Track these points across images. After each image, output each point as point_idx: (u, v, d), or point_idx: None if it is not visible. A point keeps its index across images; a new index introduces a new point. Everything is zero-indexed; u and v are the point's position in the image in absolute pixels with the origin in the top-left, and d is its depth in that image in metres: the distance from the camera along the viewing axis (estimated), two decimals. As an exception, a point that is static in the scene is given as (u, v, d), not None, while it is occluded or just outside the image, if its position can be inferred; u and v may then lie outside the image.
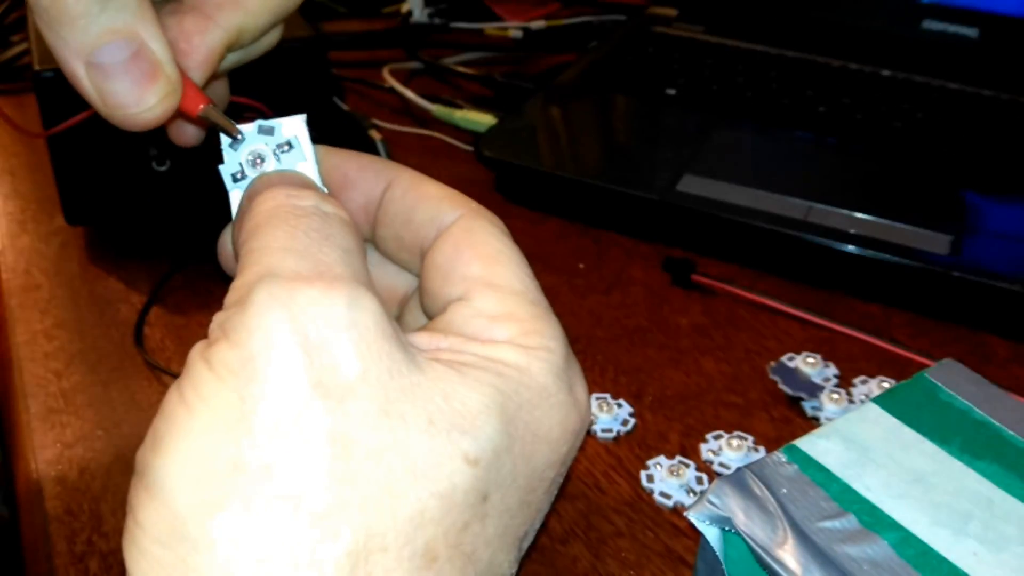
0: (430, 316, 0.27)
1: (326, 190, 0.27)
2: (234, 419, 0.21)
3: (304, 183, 0.26)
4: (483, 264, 0.26)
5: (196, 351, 0.23)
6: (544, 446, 0.24)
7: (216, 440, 0.21)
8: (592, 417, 0.42)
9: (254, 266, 0.23)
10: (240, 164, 0.27)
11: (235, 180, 0.27)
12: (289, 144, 0.27)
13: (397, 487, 0.21)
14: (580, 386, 0.26)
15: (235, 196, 0.27)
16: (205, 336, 0.23)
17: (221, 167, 0.27)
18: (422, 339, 0.24)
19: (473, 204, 0.27)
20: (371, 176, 0.28)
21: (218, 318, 0.23)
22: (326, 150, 0.28)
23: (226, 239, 0.28)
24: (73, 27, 0.24)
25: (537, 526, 0.25)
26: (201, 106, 0.28)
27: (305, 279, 0.22)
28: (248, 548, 0.20)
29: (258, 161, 0.27)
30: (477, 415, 0.22)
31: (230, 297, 0.23)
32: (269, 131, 0.26)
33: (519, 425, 0.23)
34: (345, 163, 0.28)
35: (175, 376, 0.27)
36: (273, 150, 0.27)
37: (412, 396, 0.22)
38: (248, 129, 0.27)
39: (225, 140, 0.27)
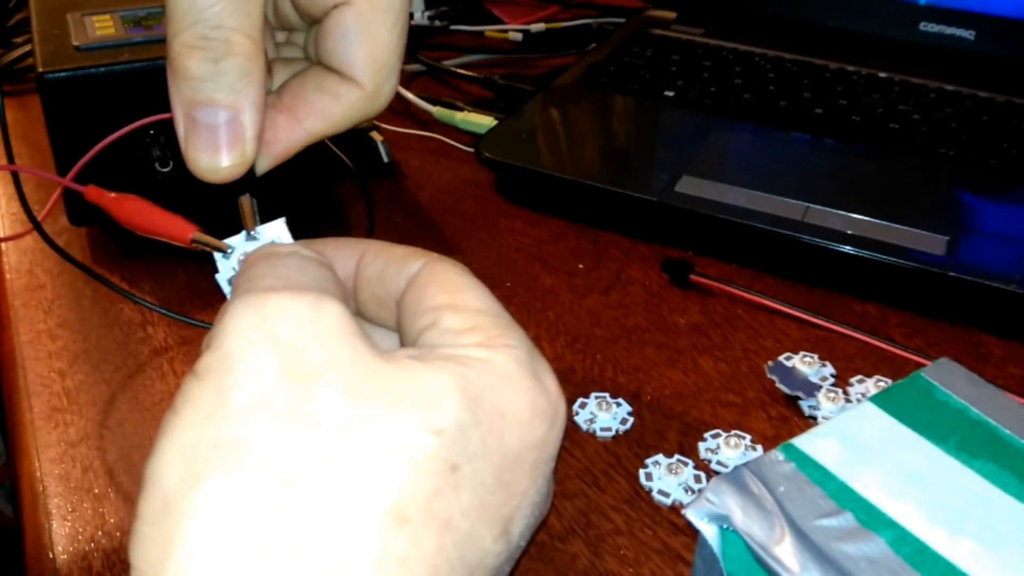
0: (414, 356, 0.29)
1: None
2: (213, 408, 0.23)
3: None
4: (447, 294, 0.28)
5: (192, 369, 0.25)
6: (514, 426, 0.25)
7: (198, 428, 0.23)
8: (591, 416, 0.43)
9: (234, 292, 0.26)
10: (233, 269, 0.30)
11: (230, 284, 0.30)
12: (273, 244, 0.30)
13: (364, 455, 0.23)
14: (548, 377, 0.27)
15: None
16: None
17: (217, 276, 0.30)
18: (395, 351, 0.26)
19: (435, 255, 0.30)
20: (346, 252, 0.30)
21: (205, 340, 0.25)
22: (304, 241, 0.31)
23: None
24: (188, 84, 0.28)
25: (527, 512, 0.26)
26: (191, 234, 0.31)
27: (275, 290, 0.25)
28: (228, 511, 0.22)
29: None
30: (439, 394, 0.24)
31: (215, 321, 0.25)
32: (254, 238, 0.30)
33: (484, 405, 0.25)
34: (322, 247, 0.30)
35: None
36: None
37: (376, 380, 0.24)
38: (236, 240, 0.30)
39: (217, 254, 0.30)
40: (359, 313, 0.31)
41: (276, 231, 0.30)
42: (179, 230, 0.32)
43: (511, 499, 0.25)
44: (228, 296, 0.30)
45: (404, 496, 0.23)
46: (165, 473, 0.23)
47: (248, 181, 0.30)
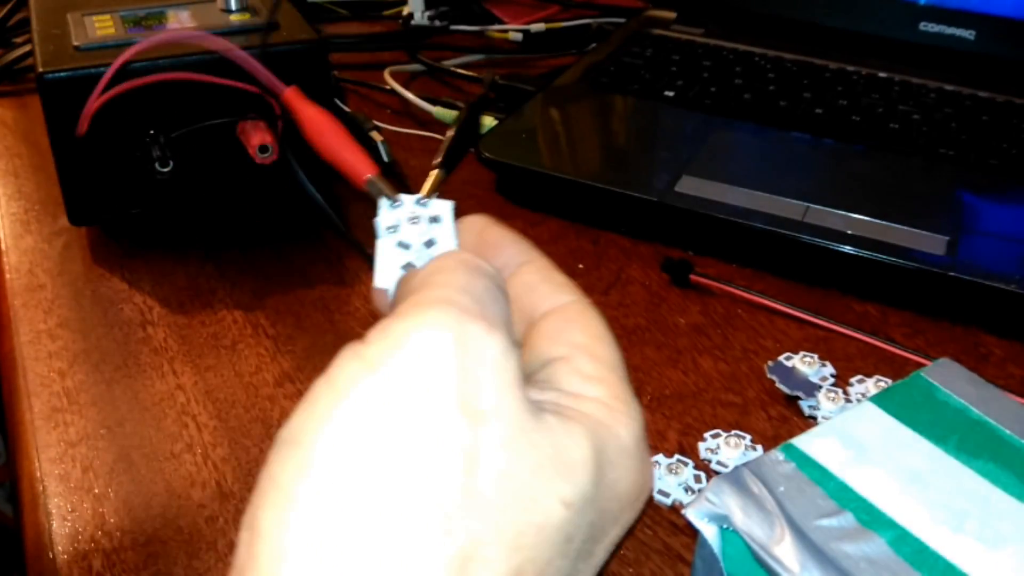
0: (527, 371, 0.29)
1: None
2: (376, 403, 0.23)
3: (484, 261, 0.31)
4: (589, 338, 0.29)
5: (348, 347, 0.25)
6: (615, 503, 0.26)
7: (355, 412, 0.23)
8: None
9: (431, 291, 0.26)
10: (396, 220, 0.32)
11: (388, 231, 0.32)
12: (436, 218, 0.32)
13: (508, 511, 0.23)
14: (649, 461, 0.28)
15: (383, 244, 0.32)
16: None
17: (377, 219, 0.31)
18: (531, 391, 0.27)
19: (587, 298, 0.30)
20: (518, 249, 0.31)
21: (378, 326, 0.25)
22: (489, 221, 0.32)
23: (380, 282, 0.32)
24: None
25: None
26: (367, 175, 0.33)
27: (472, 315, 0.25)
28: (383, 526, 0.22)
29: (412, 221, 0.31)
30: (576, 465, 0.25)
31: (396, 311, 0.26)
32: (423, 205, 0.31)
33: (604, 479, 0.26)
34: (502, 234, 0.31)
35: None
36: (427, 217, 0.31)
37: (529, 438, 0.25)
38: (407, 198, 0.32)
39: (383, 200, 0.32)
40: None
41: (441, 209, 0.31)
42: (359, 166, 0.32)
43: (589, 565, 0.26)
44: (379, 238, 0.31)
45: (527, 560, 0.23)
46: (308, 439, 0.23)
47: (456, 158, 0.32)
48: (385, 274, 0.32)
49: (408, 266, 0.32)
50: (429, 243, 0.32)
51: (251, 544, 0.23)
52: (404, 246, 0.32)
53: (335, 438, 0.23)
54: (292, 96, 0.38)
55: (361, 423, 0.23)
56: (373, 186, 0.33)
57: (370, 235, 0.32)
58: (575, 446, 0.25)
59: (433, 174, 0.35)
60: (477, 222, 0.32)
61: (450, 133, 0.42)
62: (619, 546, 0.30)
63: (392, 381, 0.24)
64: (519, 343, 0.30)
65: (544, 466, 0.24)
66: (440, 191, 0.49)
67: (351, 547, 0.22)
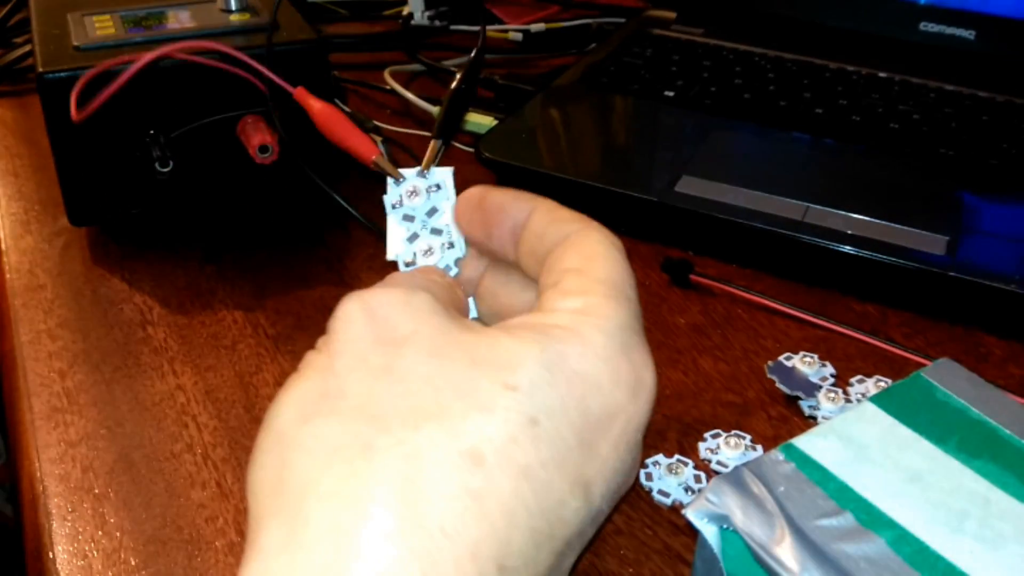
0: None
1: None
2: (323, 368, 0.28)
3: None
4: (581, 258, 0.30)
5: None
6: (595, 392, 0.27)
7: (310, 383, 0.28)
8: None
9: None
10: (400, 195, 0.34)
11: (393, 207, 0.35)
12: (438, 186, 0.34)
13: (444, 403, 0.26)
14: (638, 352, 0.29)
15: (391, 219, 0.35)
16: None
17: (385, 196, 0.35)
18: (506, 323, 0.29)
19: (595, 223, 0.32)
20: (521, 204, 0.33)
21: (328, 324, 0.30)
22: (487, 188, 0.34)
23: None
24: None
25: (608, 476, 0.27)
26: (373, 156, 0.37)
27: (374, 289, 0.30)
28: (327, 441, 0.26)
29: (413, 195, 0.34)
30: (516, 356, 0.27)
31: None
32: (424, 176, 0.34)
33: (563, 367, 0.27)
34: (502, 195, 0.33)
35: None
36: (426, 188, 0.34)
37: (458, 345, 0.27)
38: (409, 172, 0.34)
39: (390, 179, 0.35)
40: (520, 266, 0.33)
41: (443, 176, 0.33)
42: (365, 149, 0.38)
43: (592, 460, 0.27)
44: (388, 214, 0.34)
45: (480, 439, 0.25)
46: (282, 413, 0.27)
47: (450, 129, 0.39)
48: (395, 246, 0.35)
49: (413, 236, 0.34)
50: (431, 212, 0.35)
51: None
52: (409, 218, 0.35)
53: (289, 400, 0.28)
54: (301, 94, 0.43)
55: (309, 390, 0.28)
56: (379, 166, 0.37)
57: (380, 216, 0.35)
58: (516, 344, 0.27)
59: (432, 144, 0.37)
60: (475, 194, 0.34)
61: (445, 99, 0.44)
62: (619, 546, 0.30)
63: (327, 350, 0.29)
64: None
65: (479, 362, 0.27)
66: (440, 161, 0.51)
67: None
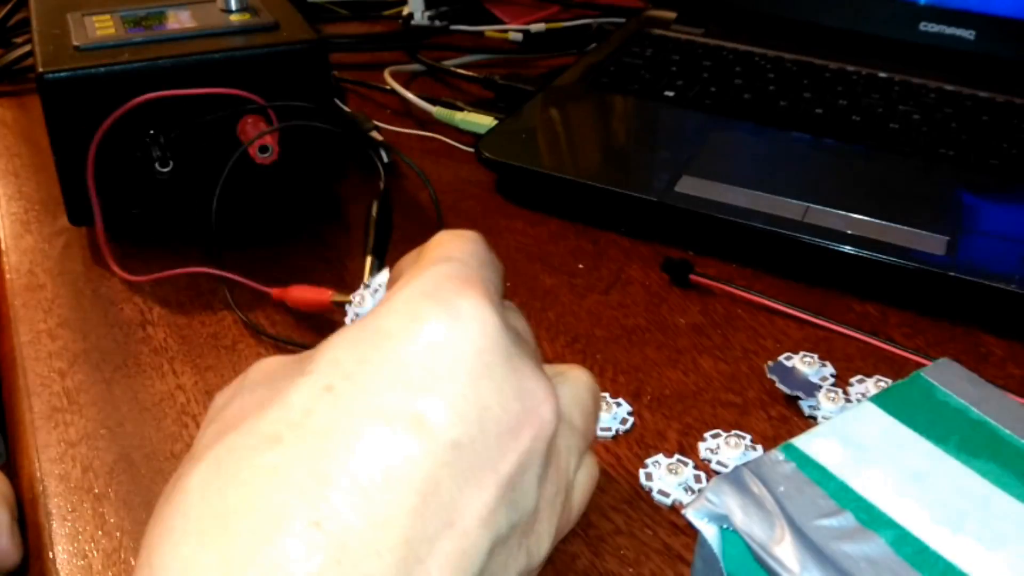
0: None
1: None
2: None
3: None
4: (433, 249, 0.30)
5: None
6: (397, 332, 0.27)
7: (237, 400, 0.29)
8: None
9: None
10: (353, 309, 0.37)
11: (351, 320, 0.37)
12: (378, 288, 0.36)
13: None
14: (463, 298, 0.27)
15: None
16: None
17: (346, 318, 0.37)
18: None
19: (450, 232, 0.32)
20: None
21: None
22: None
23: None
24: None
25: (499, 466, 0.26)
26: (328, 300, 0.48)
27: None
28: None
29: (362, 301, 0.37)
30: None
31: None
32: (367, 286, 0.36)
33: (366, 326, 0.27)
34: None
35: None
36: (371, 294, 0.36)
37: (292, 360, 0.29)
38: (356, 294, 0.37)
39: (346, 306, 0.37)
40: None
41: (381, 279, 0.36)
42: (323, 297, 0.48)
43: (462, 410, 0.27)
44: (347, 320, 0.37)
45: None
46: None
47: (381, 248, 0.48)
48: None
49: None
50: None
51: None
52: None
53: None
54: (278, 294, 0.50)
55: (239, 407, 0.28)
56: (336, 301, 0.47)
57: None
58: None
59: (368, 259, 0.45)
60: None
61: (371, 226, 0.52)
62: (619, 546, 0.30)
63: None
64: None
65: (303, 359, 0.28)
66: (439, 200, 0.57)
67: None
